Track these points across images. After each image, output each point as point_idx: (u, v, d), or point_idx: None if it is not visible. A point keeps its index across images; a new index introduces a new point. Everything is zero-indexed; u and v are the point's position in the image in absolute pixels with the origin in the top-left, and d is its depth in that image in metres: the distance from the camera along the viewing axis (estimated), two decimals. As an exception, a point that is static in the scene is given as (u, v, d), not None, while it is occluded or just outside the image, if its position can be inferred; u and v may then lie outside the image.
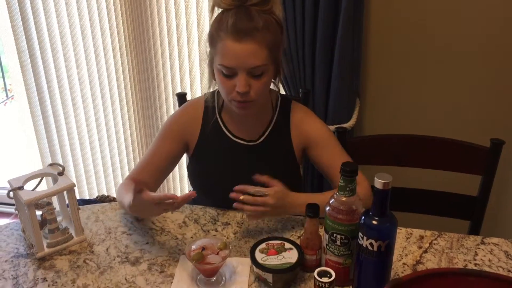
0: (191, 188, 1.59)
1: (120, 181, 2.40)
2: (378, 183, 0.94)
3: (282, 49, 1.26)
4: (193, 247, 1.11)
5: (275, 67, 1.24)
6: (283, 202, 1.22)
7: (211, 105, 1.35)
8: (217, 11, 1.21)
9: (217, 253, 1.10)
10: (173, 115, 1.39)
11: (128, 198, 1.15)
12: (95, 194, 2.40)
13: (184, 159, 1.54)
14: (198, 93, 2.13)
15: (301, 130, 1.35)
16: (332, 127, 1.86)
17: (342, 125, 1.84)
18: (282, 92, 1.69)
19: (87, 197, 2.42)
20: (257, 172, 1.33)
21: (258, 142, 1.35)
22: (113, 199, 1.78)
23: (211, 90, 1.35)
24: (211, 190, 1.38)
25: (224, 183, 1.35)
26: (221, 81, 1.21)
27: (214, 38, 1.19)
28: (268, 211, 1.19)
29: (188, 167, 1.44)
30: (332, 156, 1.32)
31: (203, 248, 1.10)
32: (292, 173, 1.38)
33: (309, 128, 1.35)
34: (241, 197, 1.17)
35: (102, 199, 1.92)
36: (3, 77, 4.25)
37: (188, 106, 1.40)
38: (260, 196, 1.18)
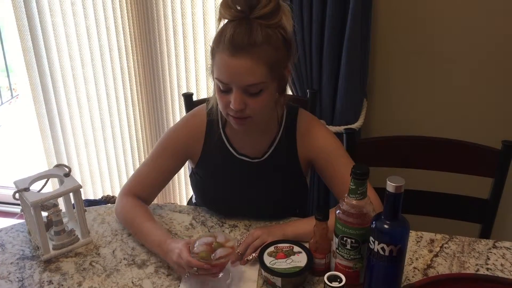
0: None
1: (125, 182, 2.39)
2: (391, 186, 0.93)
3: (289, 65, 1.17)
4: (196, 244, 1.09)
5: (278, 84, 1.16)
6: (269, 227, 1.24)
7: (215, 119, 1.29)
8: (224, 22, 1.15)
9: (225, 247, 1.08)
10: (174, 130, 1.33)
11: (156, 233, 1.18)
12: (100, 195, 2.38)
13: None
14: (204, 94, 2.12)
15: (306, 142, 1.29)
16: (340, 128, 1.84)
17: (350, 126, 1.83)
18: (289, 92, 1.66)
19: (92, 198, 2.41)
20: (261, 187, 1.32)
21: (262, 159, 1.30)
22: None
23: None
24: (214, 203, 1.36)
25: (227, 199, 1.33)
26: (218, 95, 1.16)
27: (214, 49, 1.13)
28: (264, 237, 1.18)
29: (191, 177, 1.40)
30: (336, 167, 1.26)
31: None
32: (297, 185, 1.35)
33: (314, 140, 1.28)
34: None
35: (107, 199, 1.92)
36: (8, 76, 4.24)
37: (189, 120, 1.33)
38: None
